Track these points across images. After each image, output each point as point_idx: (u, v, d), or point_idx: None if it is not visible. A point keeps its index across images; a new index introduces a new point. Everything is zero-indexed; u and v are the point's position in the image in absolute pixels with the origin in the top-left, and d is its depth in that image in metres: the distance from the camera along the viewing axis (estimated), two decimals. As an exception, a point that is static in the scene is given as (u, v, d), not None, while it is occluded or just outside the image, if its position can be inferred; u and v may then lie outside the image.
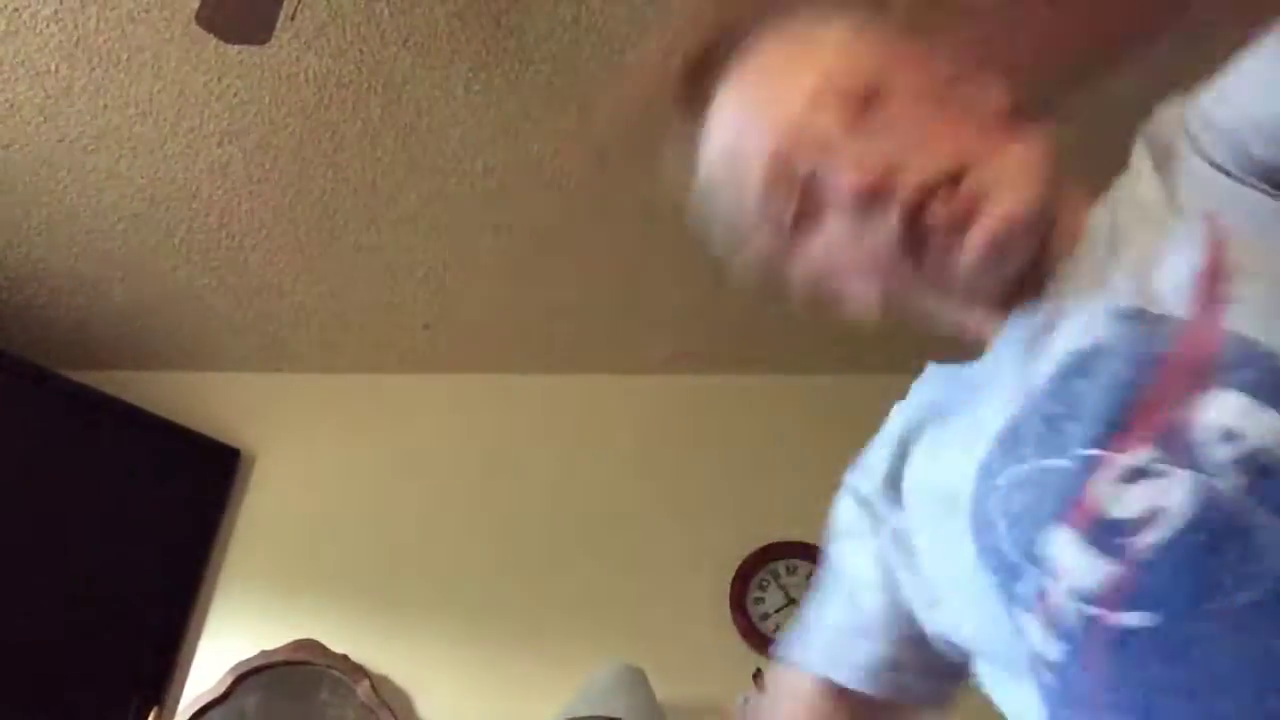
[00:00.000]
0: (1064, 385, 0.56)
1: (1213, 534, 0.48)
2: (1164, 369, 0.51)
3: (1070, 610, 0.52)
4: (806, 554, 2.52)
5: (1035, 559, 0.54)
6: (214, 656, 2.52)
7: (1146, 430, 0.51)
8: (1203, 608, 0.48)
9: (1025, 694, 0.57)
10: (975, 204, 0.60)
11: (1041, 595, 0.54)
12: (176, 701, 2.48)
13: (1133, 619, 0.50)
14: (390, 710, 2.39)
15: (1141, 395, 0.52)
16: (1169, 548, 0.49)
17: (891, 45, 0.69)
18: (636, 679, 2.21)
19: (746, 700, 2.29)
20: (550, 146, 2.18)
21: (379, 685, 2.42)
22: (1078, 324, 0.58)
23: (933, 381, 0.73)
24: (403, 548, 2.64)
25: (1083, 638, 0.52)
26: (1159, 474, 0.50)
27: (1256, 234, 0.53)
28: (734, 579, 2.49)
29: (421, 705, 2.45)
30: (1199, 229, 0.54)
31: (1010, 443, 0.58)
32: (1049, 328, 0.60)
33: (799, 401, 2.74)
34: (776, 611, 2.48)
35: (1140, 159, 0.61)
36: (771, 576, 2.51)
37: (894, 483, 0.71)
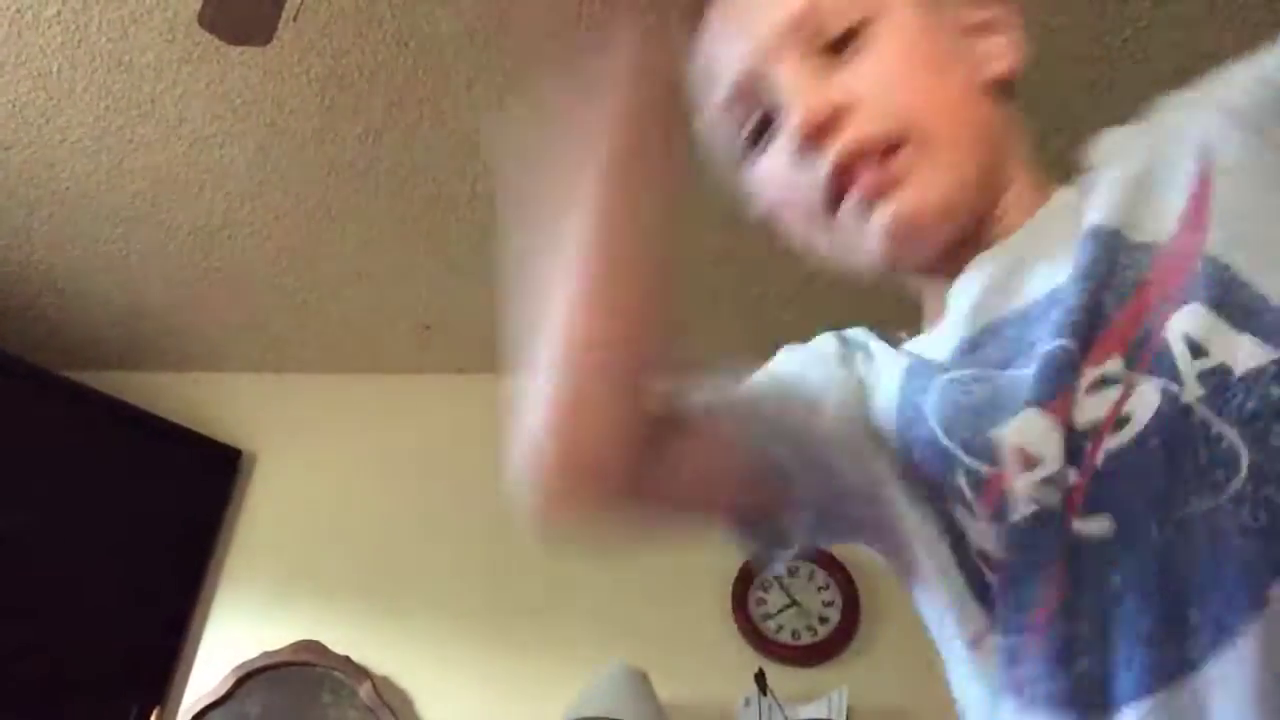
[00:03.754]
0: (1038, 310, 0.58)
1: (1171, 440, 0.49)
2: (1140, 292, 0.53)
3: (1024, 511, 0.52)
4: (809, 555, 2.52)
5: (984, 454, 0.54)
6: (215, 657, 2.52)
7: (1117, 343, 0.53)
8: (1159, 514, 0.48)
9: (955, 588, 0.58)
10: (894, 183, 0.61)
11: (985, 490, 0.54)
12: (178, 702, 2.48)
13: (1090, 525, 0.50)
14: (392, 711, 2.39)
15: (1116, 314, 0.53)
16: (1129, 453, 0.50)
17: None
18: (639, 680, 2.21)
19: (748, 701, 2.29)
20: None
21: (381, 686, 2.42)
22: (1051, 265, 0.59)
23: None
24: (404, 548, 2.64)
25: (1039, 539, 0.52)
26: (1125, 381, 0.51)
27: (1242, 172, 0.55)
28: (736, 580, 2.49)
29: (423, 706, 2.45)
30: (1189, 163, 0.56)
31: (968, 350, 0.60)
32: (1019, 266, 0.61)
33: (800, 402, 2.73)
34: (779, 612, 2.48)
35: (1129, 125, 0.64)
36: (773, 577, 2.51)
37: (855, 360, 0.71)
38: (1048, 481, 0.52)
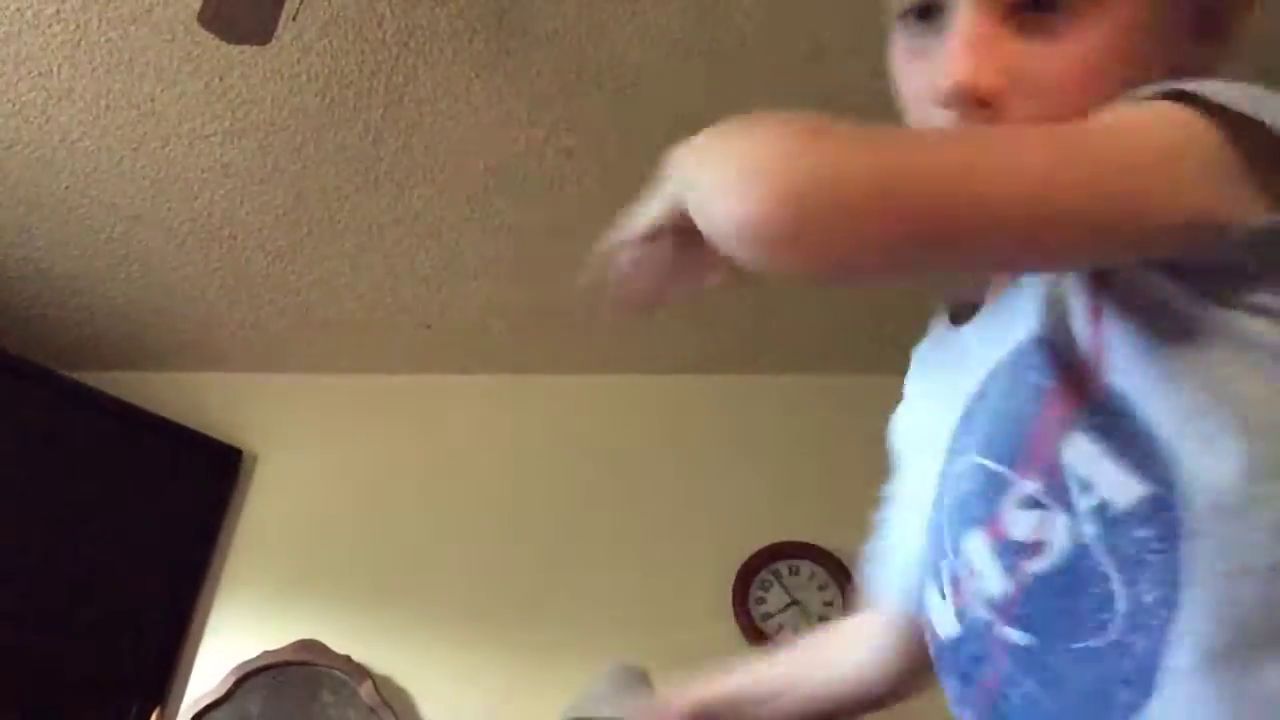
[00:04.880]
0: (995, 387, 0.58)
1: (1075, 578, 0.51)
2: (1048, 400, 0.53)
3: (977, 608, 0.57)
4: (809, 554, 2.52)
5: (958, 551, 0.58)
6: (216, 657, 2.52)
7: (1036, 462, 0.53)
8: (1059, 643, 0.51)
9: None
10: None
11: (955, 583, 0.59)
12: (178, 702, 2.47)
13: (1015, 636, 0.54)
14: (392, 711, 2.39)
15: (1032, 426, 0.54)
16: (1045, 580, 0.52)
17: None
18: (638, 679, 2.21)
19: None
20: (550, 147, 2.18)
21: (381, 686, 2.42)
22: (1017, 320, 0.58)
23: (933, 341, 0.74)
24: (404, 548, 2.64)
25: (984, 635, 0.56)
26: (1045, 507, 0.52)
27: (1141, 302, 0.52)
28: (736, 579, 2.49)
29: (423, 706, 2.45)
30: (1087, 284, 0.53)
31: (966, 426, 0.61)
32: (1010, 312, 0.59)
33: (801, 402, 2.74)
34: (779, 612, 2.48)
35: None
36: (774, 576, 2.51)
37: None
38: (988, 595, 0.56)
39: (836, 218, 0.44)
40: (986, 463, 0.57)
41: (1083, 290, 0.53)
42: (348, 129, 2.16)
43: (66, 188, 2.35)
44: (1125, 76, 0.53)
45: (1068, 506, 0.51)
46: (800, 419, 2.71)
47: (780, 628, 2.46)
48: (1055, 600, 0.52)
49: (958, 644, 0.59)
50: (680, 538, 2.57)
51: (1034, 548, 0.53)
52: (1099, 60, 0.54)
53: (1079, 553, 0.50)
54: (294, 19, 1.85)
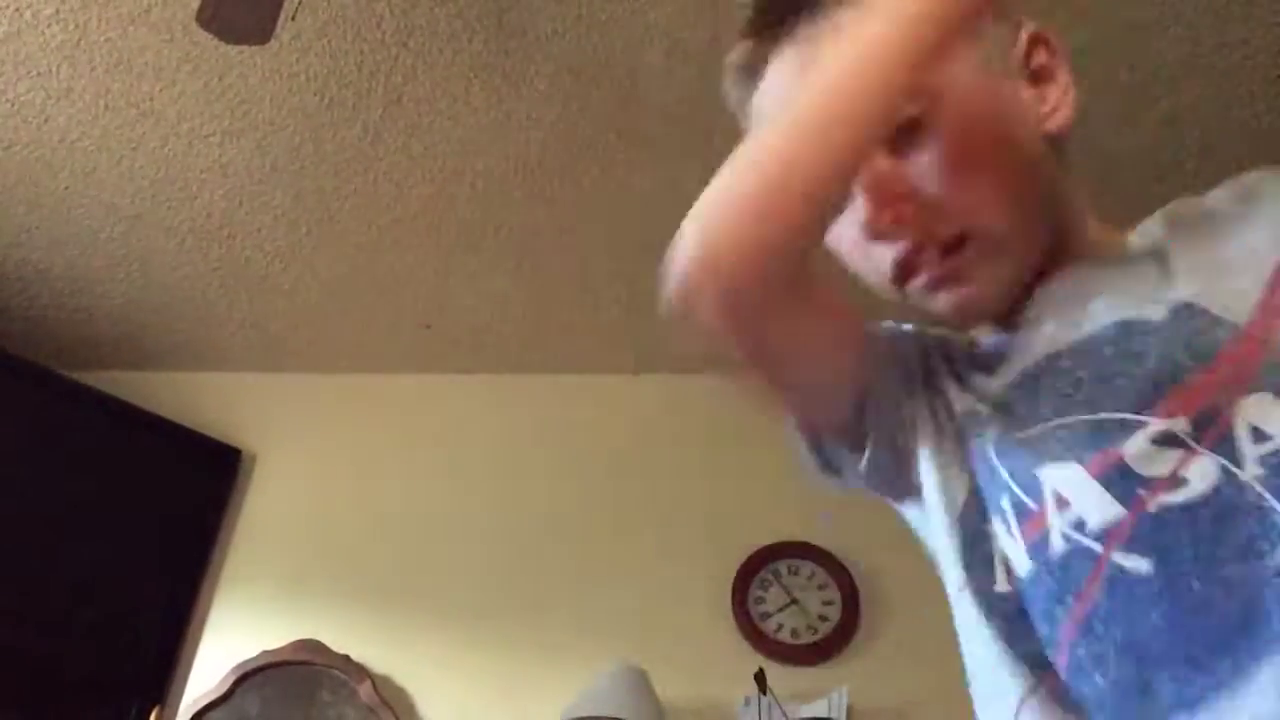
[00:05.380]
0: (1107, 347, 0.61)
1: (1223, 512, 0.53)
2: (1216, 363, 0.57)
3: (1059, 534, 0.58)
4: (807, 554, 2.52)
5: (1029, 488, 0.60)
6: (215, 656, 2.52)
7: (1187, 406, 0.56)
8: (1199, 569, 0.53)
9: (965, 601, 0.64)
10: (955, 279, 0.67)
11: (1028, 522, 0.59)
12: (178, 701, 2.47)
13: (1131, 561, 0.55)
14: (392, 710, 2.39)
15: (1190, 378, 0.57)
16: (1180, 513, 0.54)
17: (965, 57, 0.66)
18: (638, 679, 2.21)
19: (747, 700, 2.29)
20: (550, 147, 2.18)
21: (380, 685, 2.42)
22: (1123, 299, 0.62)
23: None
24: (404, 547, 2.64)
25: (1071, 567, 0.57)
26: (1189, 448, 0.55)
27: None
28: (735, 578, 2.49)
29: (423, 705, 2.45)
30: (1272, 253, 0.60)
31: (1031, 386, 0.64)
32: (1082, 298, 0.64)
33: (800, 401, 2.73)
34: (778, 611, 2.48)
35: (1218, 191, 0.66)
36: (773, 576, 2.51)
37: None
38: (1079, 525, 0.57)
39: (720, 236, 0.62)
40: (1093, 415, 0.59)
41: (1270, 261, 0.59)
42: (347, 129, 2.16)
43: (66, 188, 2.35)
44: (991, 161, 0.66)
45: (1229, 450, 0.54)
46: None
47: (779, 627, 2.46)
48: (1191, 531, 0.53)
49: (1035, 580, 0.59)
50: (680, 537, 2.57)
51: (1170, 481, 0.54)
52: (961, 144, 0.65)
53: (1233, 491, 0.53)
54: (292, 19, 1.85)
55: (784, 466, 2.75)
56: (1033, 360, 0.65)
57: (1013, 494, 0.60)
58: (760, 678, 2.26)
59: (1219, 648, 0.52)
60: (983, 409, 0.66)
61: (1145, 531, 0.55)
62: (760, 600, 2.49)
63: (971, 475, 0.65)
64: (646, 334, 2.67)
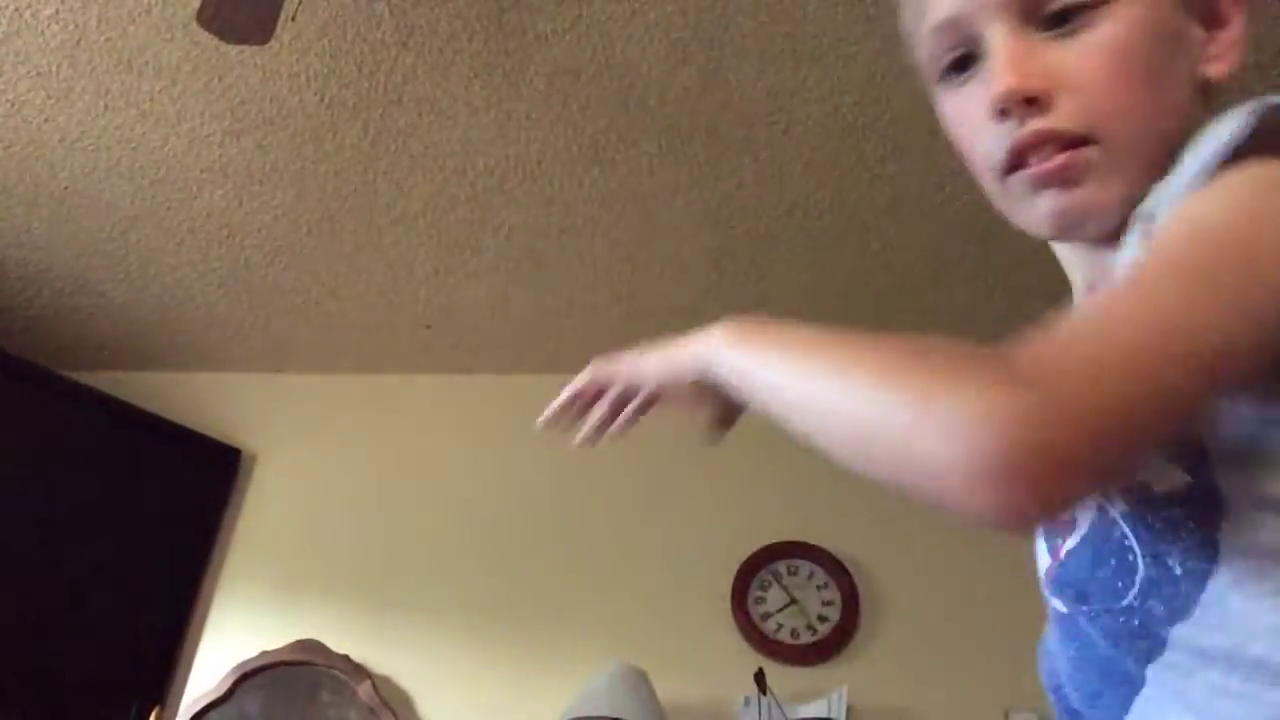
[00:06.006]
0: None
1: (1095, 549, 0.57)
2: None
3: (1042, 585, 0.65)
4: (807, 554, 2.52)
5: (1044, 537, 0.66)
6: (215, 656, 2.52)
7: None
8: (1083, 608, 0.58)
9: None
10: (1071, 178, 0.61)
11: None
12: (178, 702, 2.48)
13: (1055, 602, 0.63)
14: (391, 710, 2.39)
15: None
16: (1074, 553, 0.59)
17: None
18: (638, 679, 2.21)
19: (747, 700, 2.29)
20: (550, 147, 2.17)
21: (380, 685, 2.42)
22: None
23: None
24: (403, 548, 2.64)
25: (1046, 600, 0.65)
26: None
27: None
28: (735, 579, 2.49)
29: (423, 705, 2.45)
30: None
31: None
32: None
33: (800, 401, 2.73)
34: (778, 611, 2.47)
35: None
36: (773, 576, 2.51)
37: None
38: (1041, 574, 0.65)
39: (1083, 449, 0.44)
40: None
41: None
42: (347, 129, 2.16)
43: (66, 188, 2.35)
44: (1143, 79, 0.61)
45: (1109, 487, 0.56)
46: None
47: (779, 627, 2.46)
48: (1076, 571, 0.58)
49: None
50: (680, 537, 2.57)
51: (1069, 525, 0.59)
52: (1125, 45, 0.61)
53: (1105, 527, 0.56)
54: (293, 19, 1.85)
55: (784, 466, 2.77)
56: None
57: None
58: (760, 678, 2.26)
59: (1105, 683, 0.57)
60: None
61: (1058, 576, 0.61)
62: (760, 600, 2.49)
63: None
64: (646, 334, 2.66)
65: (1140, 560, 0.53)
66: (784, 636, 2.44)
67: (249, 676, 2.45)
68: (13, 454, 2.45)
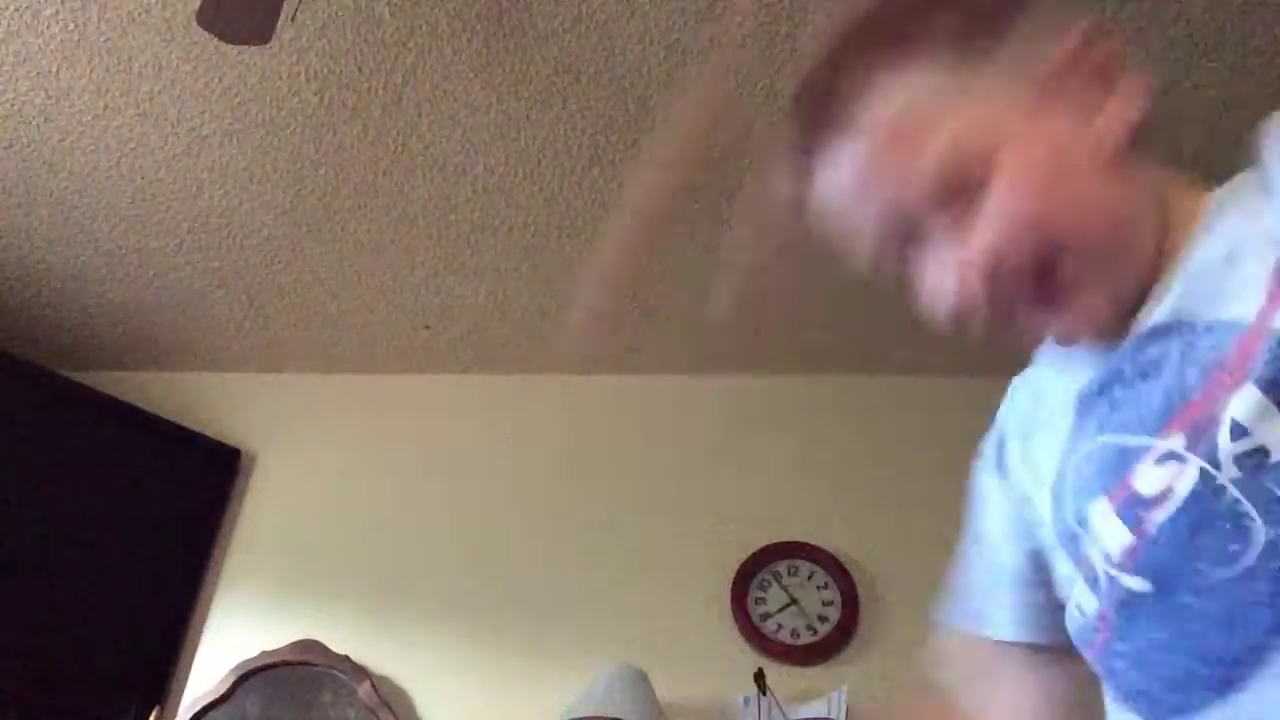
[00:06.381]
0: (1139, 376, 0.62)
1: (1199, 518, 0.55)
2: (1217, 373, 0.56)
3: (1100, 569, 0.62)
4: (807, 554, 2.52)
5: (1083, 524, 0.63)
6: (215, 657, 2.52)
7: (1185, 421, 0.57)
8: (1184, 581, 0.56)
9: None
10: (1063, 298, 0.63)
11: (1084, 556, 0.64)
12: (178, 702, 2.47)
13: (1135, 583, 0.59)
14: (391, 711, 2.39)
15: (1195, 394, 0.57)
16: (1168, 525, 0.56)
17: (1013, 105, 0.64)
18: (638, 679, 2.21)
19: (747, 701, 2.29)
20: (550, 147, 2.18)
21: (380, 686, 2.42)
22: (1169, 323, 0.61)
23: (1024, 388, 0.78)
24: (404, 548, 2.64)
25: (1105, 594, 0.61)
26: (1180, 459, 0.56)
27: None
28: (735, 579, 2.49)
29: (423, 706, 2.45)
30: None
31: (1083, 414, 0.65)
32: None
33: (800, 402, 2.74)
34: (778, 611, 2.47)
35: (1252, 179, 0.62)
36: (772, 576, 2.51)
37: (1001, 467, 0.78)
38: (1107, 552, 0.61)
39: None
40: (1119, 439, 0.61)
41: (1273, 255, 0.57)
42: (347, 129, 2.16)
43: (66, 188, 2.35)
44: (1058, 182, 0.62)
45: (1210, 451, 0.54)
46: (800, 419, 2.71)
47: (779, 628, 2.46)
48: (1175, 544, 0.56)
49: (1095, 617, 0.63)
50: (679, 537, 2.57)
51: (1161, 498, 0.57)
52: (1028, 189, 0.62)
53: (1210, 495, 0.54)
54: (293, 19, 1.85)
55: (784, 466, 2.77)
56: (1088, 376, 0.66)
57: (1080, 537, 0.65)
58: (760, 678, 2.26)
59: (1211, 658, 0.54)
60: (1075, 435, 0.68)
61: (1144, 553, 0.58)
62: (760, 600, 2.49)
63: None
64: (646, 335, 2.67)
65: (1259, 523, 0.53)
66: (784, 637, 2.44)
67: (249, 676, 2.45)
68: (13, 454, 2.45)
